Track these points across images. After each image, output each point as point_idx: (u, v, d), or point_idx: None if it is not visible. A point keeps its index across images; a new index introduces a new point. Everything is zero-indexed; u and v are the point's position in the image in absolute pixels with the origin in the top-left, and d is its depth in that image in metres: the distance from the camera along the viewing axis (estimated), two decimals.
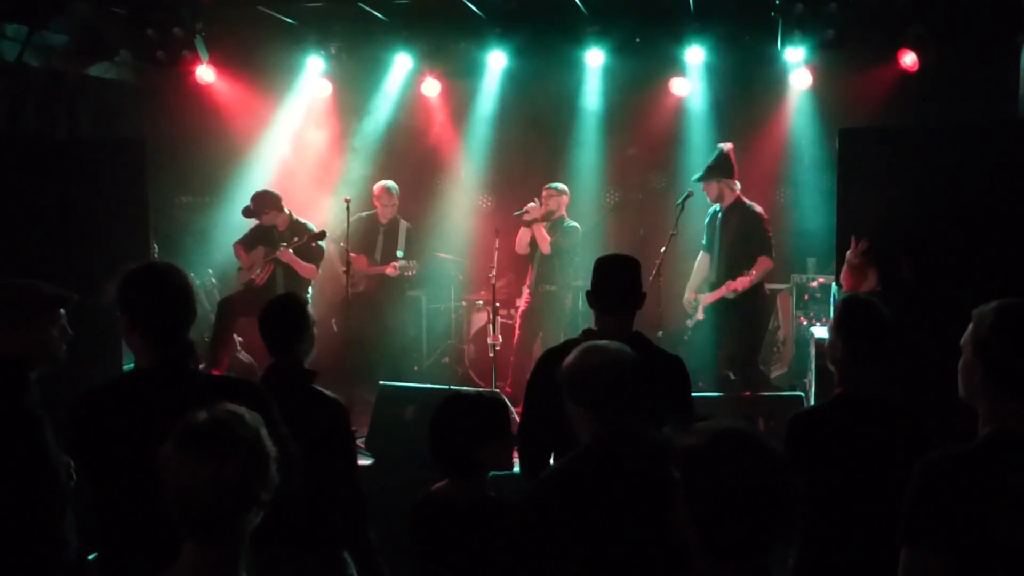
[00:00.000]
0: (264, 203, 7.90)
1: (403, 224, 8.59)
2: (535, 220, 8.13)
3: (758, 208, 7.29)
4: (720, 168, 7.28)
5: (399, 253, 8.41)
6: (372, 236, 8.53)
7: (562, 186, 8.34)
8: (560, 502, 2.75)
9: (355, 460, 3.87)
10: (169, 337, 2.86)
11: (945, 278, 5.38)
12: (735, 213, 7.27)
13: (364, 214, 8.52)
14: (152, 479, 2.00)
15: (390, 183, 8.56)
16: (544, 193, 8.24)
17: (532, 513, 2.81)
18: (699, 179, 7.36)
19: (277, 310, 3.79)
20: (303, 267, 7.77)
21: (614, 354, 2.91)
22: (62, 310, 3.34)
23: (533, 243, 8.20)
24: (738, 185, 7.33)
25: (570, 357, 2.94)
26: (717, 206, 7.41)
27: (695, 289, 7.58)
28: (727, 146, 7.38)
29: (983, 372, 2.38)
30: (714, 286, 7.31)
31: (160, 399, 2.65)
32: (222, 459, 1.96)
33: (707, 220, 7.56)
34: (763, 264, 7.07)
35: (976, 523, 2.22)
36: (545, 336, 8.10)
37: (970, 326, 2.44)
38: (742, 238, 7.18)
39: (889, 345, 3.32)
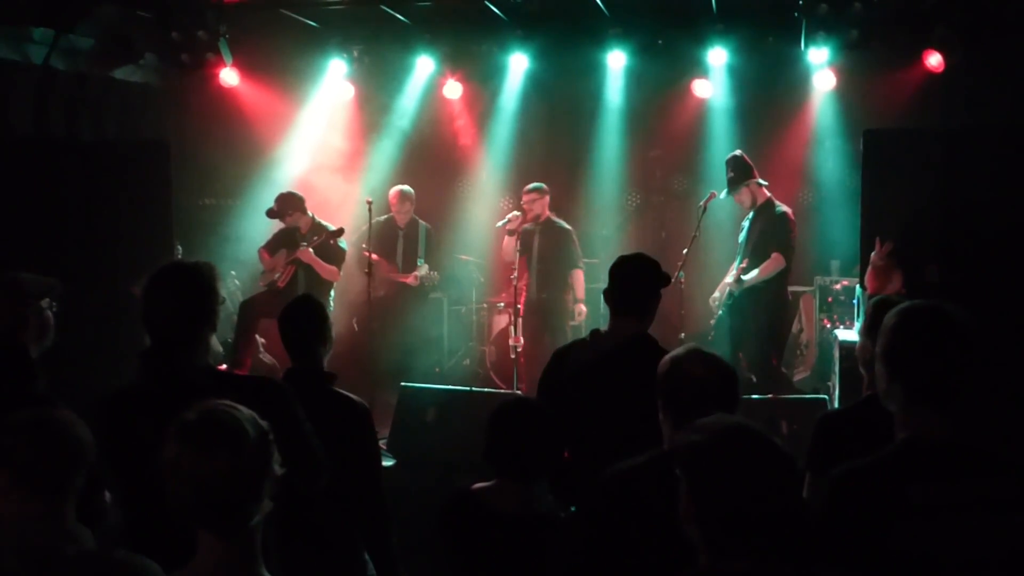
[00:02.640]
0: (288, 204, 7.93)
1: (423, 226, 8.60)
2: (515, 232, 7.98)
3: (785, 209, 7.21)
4: (739, 173, 7.22)
5: (420, 261, 8.41)
6: (391, 240, 8.54)
7: (542, 185, 8.21)
8: (621, 504, 2.68)
9: (378, 462, 3.86)
10: (174, 341, 2.83)
11: (971, 281, 5.33)
12: (763, 214, 7.22)
13: (382, 218, 8.53)
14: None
15: (405, 187, 8.56)
16: (525, 198, 8.11)
17: (596, 516, 2.73)
18: (728, 194, 7.31)
19: (296, 313, 3.76)
20: (324, 268, 7.79)
21: (708, 368, 2.73)
22: (48, 300, 3.43)
23: (524, 248, 8.05)
24: (763, 182, 7.27)
25: (667, 358, 2.79)
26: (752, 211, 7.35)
27: (722, 289, 7.54)
28: (736, 152, 7.34)
29: (888, 377, 2.34)
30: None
31: (178, 402, 2.65)
32: (236, 447, 1.99)
33: (743, 222, 7.51)
34: (774, 261, 6.99)
35: (881, 536, 2.16)
36: (553, 340, 8.05)
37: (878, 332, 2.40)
38: (764, 237, 7.13)
39: None
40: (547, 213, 8.22)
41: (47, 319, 3.42)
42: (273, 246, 8.11)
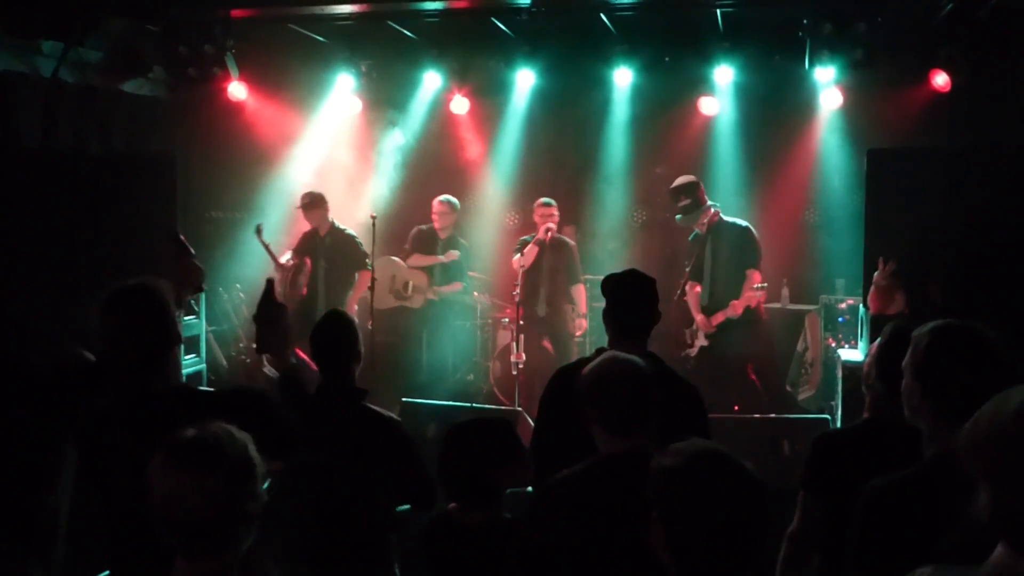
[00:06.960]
0: (318, 201, 8.09)
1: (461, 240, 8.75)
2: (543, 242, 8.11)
3: (742, 222, 7.32)
4: (695, 200, 7.31)
5: (463, 275, 8.67)
6: (430, 251, 8.66)
7: (553, 201, 8.27)
8: (554, 515, 2.72)
9: (420, 471, 3.72)
10: (145, 361, 2.82)
11: (974, 302, 5.31)
12: (721, 234, 7.29)
13: (424, 227, 8.64)
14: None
15: (450, 197, 8.68)
16: (545, 211, 8.10)
17: (529, 524, 2.79)
18: (685, 221, 7.43)
19: (328, 330, 3.71)
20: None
21: (627, 368, 2.81)
22: None
23: (534, 264, 8.14)
24: (716, 205, 7.34)
25: (586, 369, 2.88)
26: (697, 231, 7.43)
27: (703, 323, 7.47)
28: (689, 179, 7.41)
29: (921, 394, 2.38)
30: (707, 310, 7.27)
31: (153, 418, 2.64)
32: (206, 471, 1.96)
33: (690, 245, 7.50)
34: (757, 278, 7.10)
35: (919, 548, 2.17)
36: (559, 355, 8.13)
37: (908, 350, 2.44)
38: (735, 257, 7.18)
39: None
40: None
41: None
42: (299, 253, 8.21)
